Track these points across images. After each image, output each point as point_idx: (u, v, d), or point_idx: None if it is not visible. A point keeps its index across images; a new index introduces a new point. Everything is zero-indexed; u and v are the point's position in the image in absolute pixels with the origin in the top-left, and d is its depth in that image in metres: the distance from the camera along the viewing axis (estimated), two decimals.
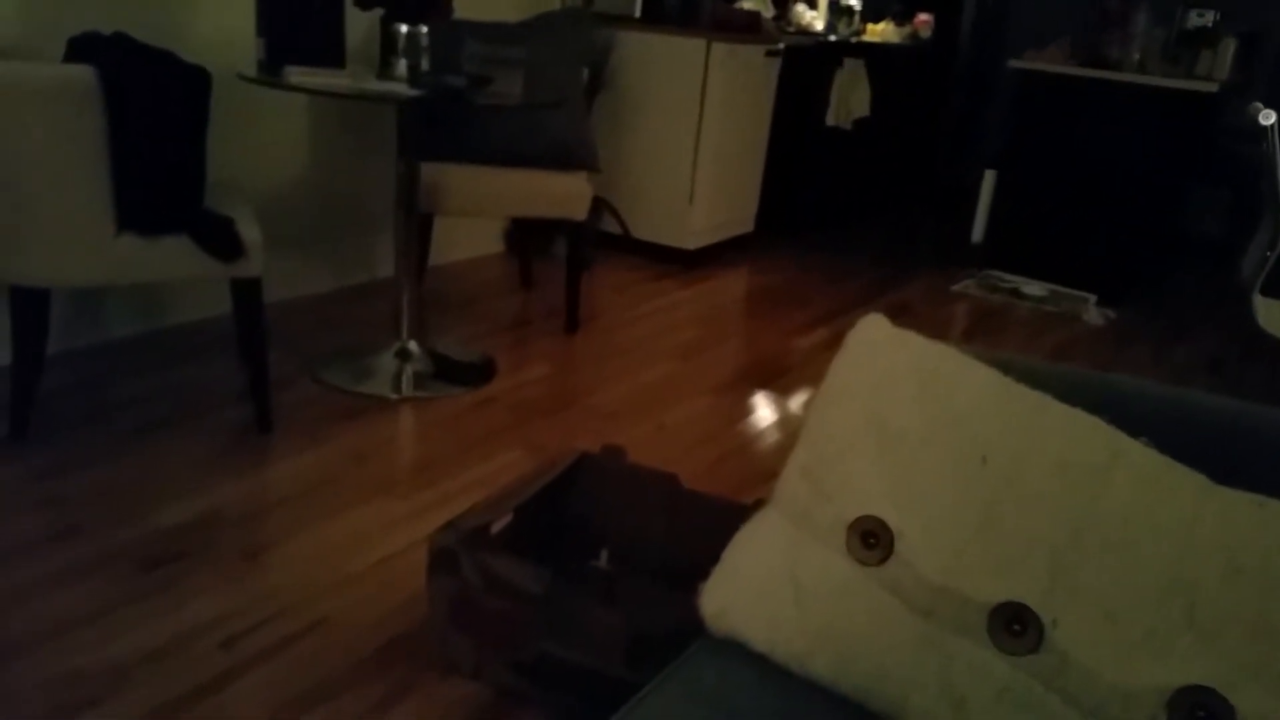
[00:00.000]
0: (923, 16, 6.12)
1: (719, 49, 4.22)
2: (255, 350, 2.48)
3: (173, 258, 2.30)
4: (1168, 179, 4.75)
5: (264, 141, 3.30)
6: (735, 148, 4.58)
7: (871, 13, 5.90)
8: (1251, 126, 3.31)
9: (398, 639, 1.82)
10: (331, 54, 2.67)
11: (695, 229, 4.46)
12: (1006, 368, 1.12)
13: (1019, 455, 1.02)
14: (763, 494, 1.80)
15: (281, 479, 2.33)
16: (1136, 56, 4.63)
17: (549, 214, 3.36)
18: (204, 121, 2.27)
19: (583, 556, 1.98)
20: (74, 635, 1.73)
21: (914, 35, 6.06)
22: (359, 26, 3.33)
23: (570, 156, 3.46)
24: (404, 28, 2.69)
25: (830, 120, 5.16)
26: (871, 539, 1.06)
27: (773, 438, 2.84)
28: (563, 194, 3.32)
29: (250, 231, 2.37)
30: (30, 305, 2.26)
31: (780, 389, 3.22)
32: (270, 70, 2.59)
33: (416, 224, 2.93)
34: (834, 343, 2.94)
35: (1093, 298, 4.66)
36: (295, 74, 2.53)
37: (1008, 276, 4.89)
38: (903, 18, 6.04)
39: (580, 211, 3.35)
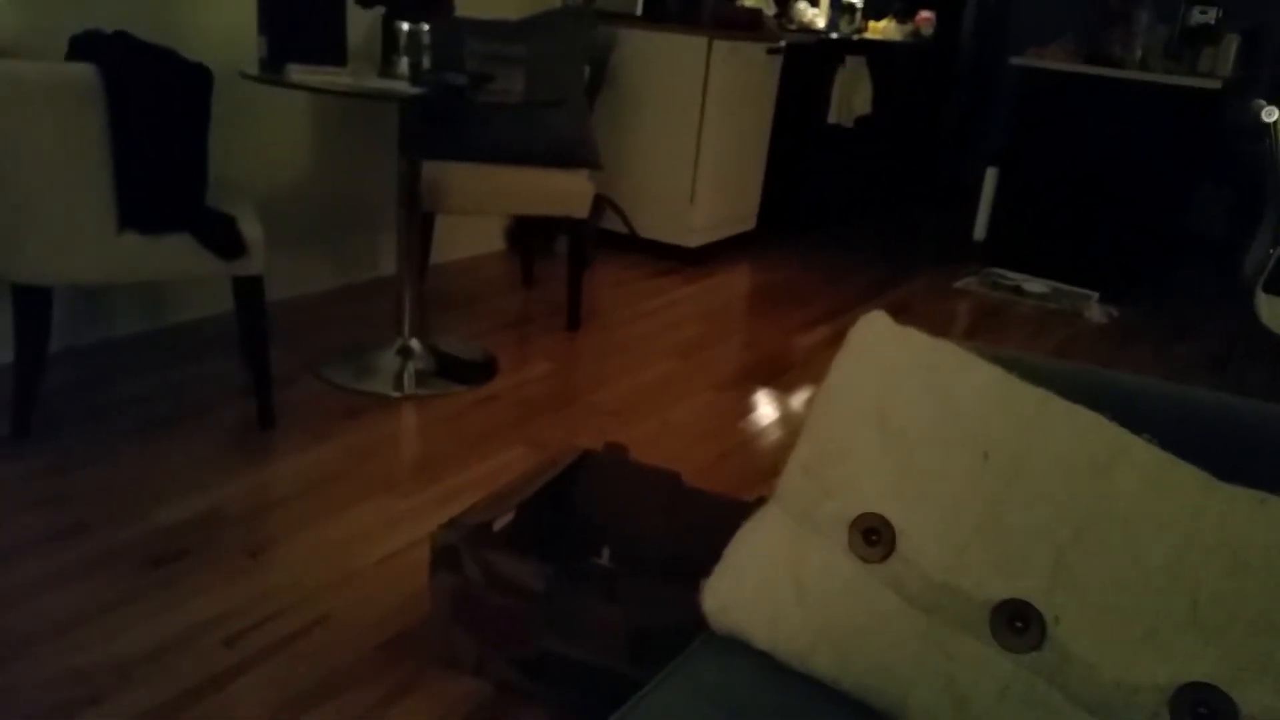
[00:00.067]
0: (925, 14, 6.11)
1: (720, 47, 4.21)
2: (257, 348, 2.49)
3: (174, 256, 2.31)
4: (1170, 176, 4.75)
5: (265, 140, 3.30)
6: (737, 145, 4.58)
7: (873, 10, 5.90)
8: (1254, 124, 3.31)
9: (400, 636, 1.82)
10: (333, 52, 2.67)
11: (697, 227, 4.46)
12: (1009, 365, 1.11)
13: (1021, 452, 1.02)
14: (764, 491, 1.80)
15: (283, 477, 2.33)
16: (1139, 54, 4.63)
17: (550, 212, 3.36)
18: (206, 120, 2.27)
19: (585, 553, 1.98)
20: (76, 633, 1.73)
21: (916, 33, 6.06)
22: (360, 25, 3.33)
23: (572, 154, 3.46)
24: (405, 26, 2.69)
25: (832, 118, 5.15)
26: (873, 536, 1.06)
27: (774, 435, 2.84)
28: (564, 192, 3.32)
29: (252, 229, 2.37)
30: (32, 303, 2.27)
31: (782, 386, 3.22)
32: (272, 68, 2.59)
33: (418, 222, 2.93)
34: (836, 340, 2.94)
35: (1095, 295, 4.65)
36: (297, 72, 2.53)
37: (1010, 274, 4.88)
38: (905, 15, 6.03)
39: (582, 209, 3.35)
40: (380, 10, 2.74)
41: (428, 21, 2.71)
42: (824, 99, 5.08)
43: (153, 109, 2.18)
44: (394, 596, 1.93)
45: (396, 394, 2.83)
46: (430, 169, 3.13)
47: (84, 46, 2.32)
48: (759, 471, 2.61)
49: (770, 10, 4.91)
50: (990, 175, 5.18)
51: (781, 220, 5.14)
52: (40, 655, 1.67)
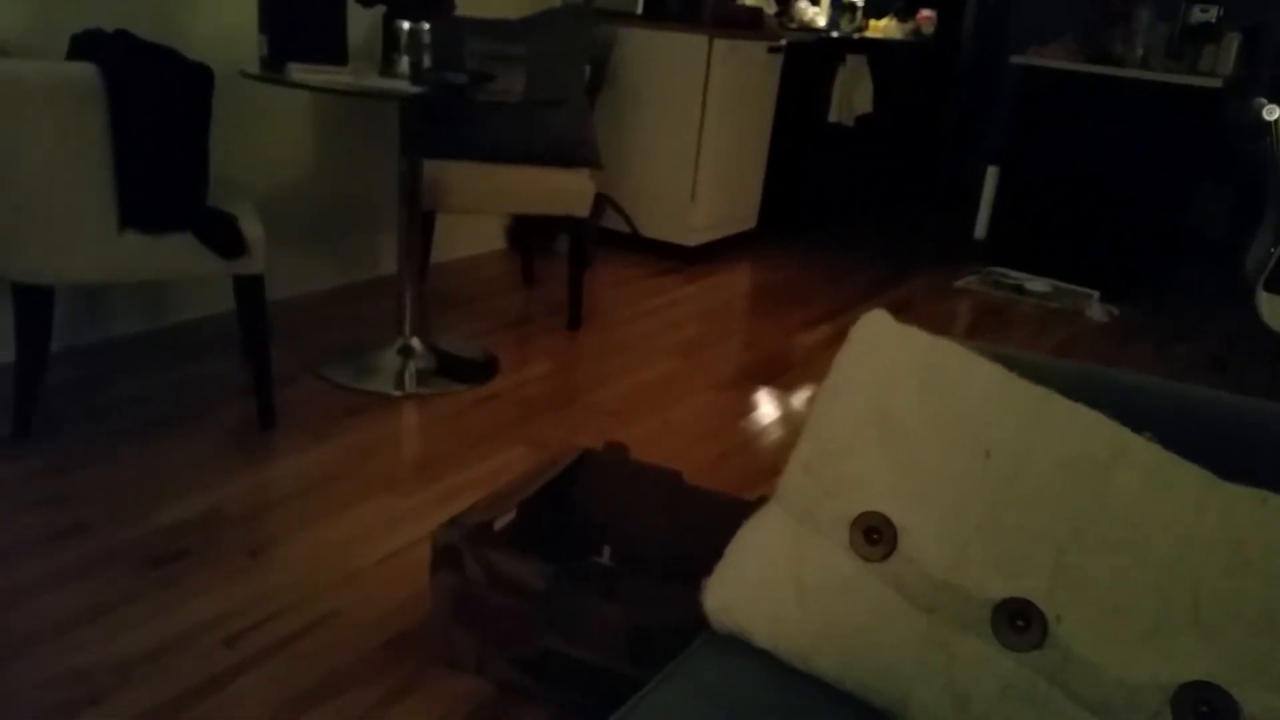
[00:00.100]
0: (925, 12, 6.11)
1: (721, 45, 4.21)
2: (258, 347, 2.49)
3: (176, 255, 2.31)
4: (1171, 175, 4.74)
5: (266, 139, 3.30)
6: (737, 144, 4.58)
7: (874, 9, 5.89)
8: (1255, 122, 3.30)
9: (401, 635, 1.82)
10: (334, 51, 2.67)
11: (697, 226, 4.46)
12: (1010, 363, 1.11)
13: (1022, 451, 1.02)
14: (765, 490, 1.80)
15: (284, 476, 2.33)
16: (1140, 52, 4.62)
17: (551, 211, 3.36)
18: (206, 119, 2.27)
19: (586, 553, 1.98)
20: (76, 633, 1.73)
21: (917, 31, 6.05)
22: (361, 24, 3.33)
23: (572, 153, 3.46)
24: (406, 25, 2.69)
25: (833, 117, 5.15)
26: (875, 535, 1.05)
27: (775, 434, 2.84)
28: (565, 191, 3.32)
29: (253, 229, 2.37)
30: (33, 303, 2.27)
31: (783, 385, 3.22)
32: (273, 67, 2.59)
33: (419, 221, 2.93)
34: (836, 339, 2.94)
35: (1096, 294, 4.65)
36: (298, 71, 2.53)
37: (1011, 273, 4.88)
38: (905, 14, 6.03)
39: (582, 208, 3.35)
40: (381, 9, 2.74)
41: (428, 20, 2.71)
42: (825, 98, 5.08)
43: (154, 108, 2.18)
44: (394, 596, 1.93)
45: (397, 393, 2.83)
46: (431, 168, 3.13)
47: (85, 46, 2.32)
48: (760, 471, 2.60)
49: (771, 9, 4.90)
50: (991, 174, 5.17)
51: (782, 219, 5.13)
52: (40, 655, 1.67)
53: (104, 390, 2.65)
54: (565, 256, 3.74)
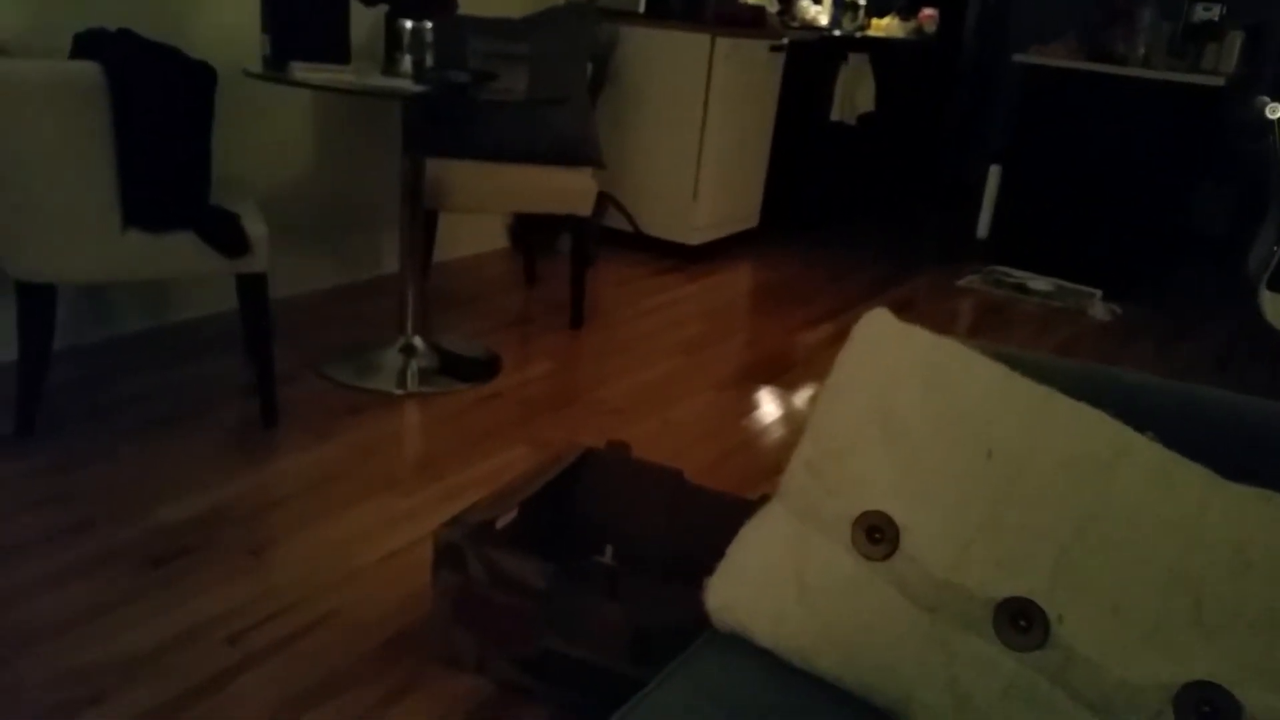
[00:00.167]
0: (927, 11, 6.10)
1: (723, 44, 4.21)
2: (260, 346, 2.49)
3: (178, 254, 2.31)
4: (1173, 174, 4.74)
5: (269, 138, 3.30)
6: (739, 143, 4.58)
7: (876, 7, 5.89)
8: (1258, 120, 3.30)
9: (402, 634, 1.82)
10: (336, 50, 2.67)
11: (699, 224, 4.45)
12: (1012, 362, 1.11)
13: (1024, 450, 1.02)
14: (768, 489, 1.80)
15: (286, 475, 2.33)
16: (1142, 51, 4.62)
17: (553, 210, 3.36)
18: (209, 118, 2.27)
19: (587, 552, 1.98)
20: (78, 631, 1.73)
21: (919, 30, 6.05)
22: (364, 23, 3.33)
23: (574, 152, 3.46)
24: (408, 24, 2.69)
25: (835, 115, 5.15)
26: (877, 534, 1.05)
27: (777, 433, 2.84)
28: (567, 190, 3.32)
29: (255, 227, 2.37)
30: (36, 301, 2.27)
31: (785, 384, 3.22)
32: (275, 66, 2.59)
33: (421, 220, 2.93)
34: (839, 338, 2.94)
35: (1098, 293, 4.65)
36: (300, 70, 2.53)
37: (1013, 272, 4.88)
38: (907, 12, 6.02)
39: (585, 207, 3.35)
40: (383, 8, 2.74)
41: (431, 19, 2.71)
42: (827, 96, 5.08)
43: (156, 107, 2.18)
44: (395, 595, 1.93)
45: (399, 392, 2.83)
46: (433, 167, 3.13)
47: (88, 45, 2.32)
48: (762, 469, 2.60)
49: (773, 7, 4.90)
50: (993, 173, 5.17)
51: (784, 218, 5.13)
52: (42, 654, 1.67)
53: (106, 389, 2.65)
54: (567, 255, 3.74)
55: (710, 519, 1.86)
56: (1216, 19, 4.73)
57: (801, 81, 4.86)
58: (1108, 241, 4.70)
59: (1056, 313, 4.36)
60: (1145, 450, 0.99)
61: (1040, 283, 4.73)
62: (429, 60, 2.72)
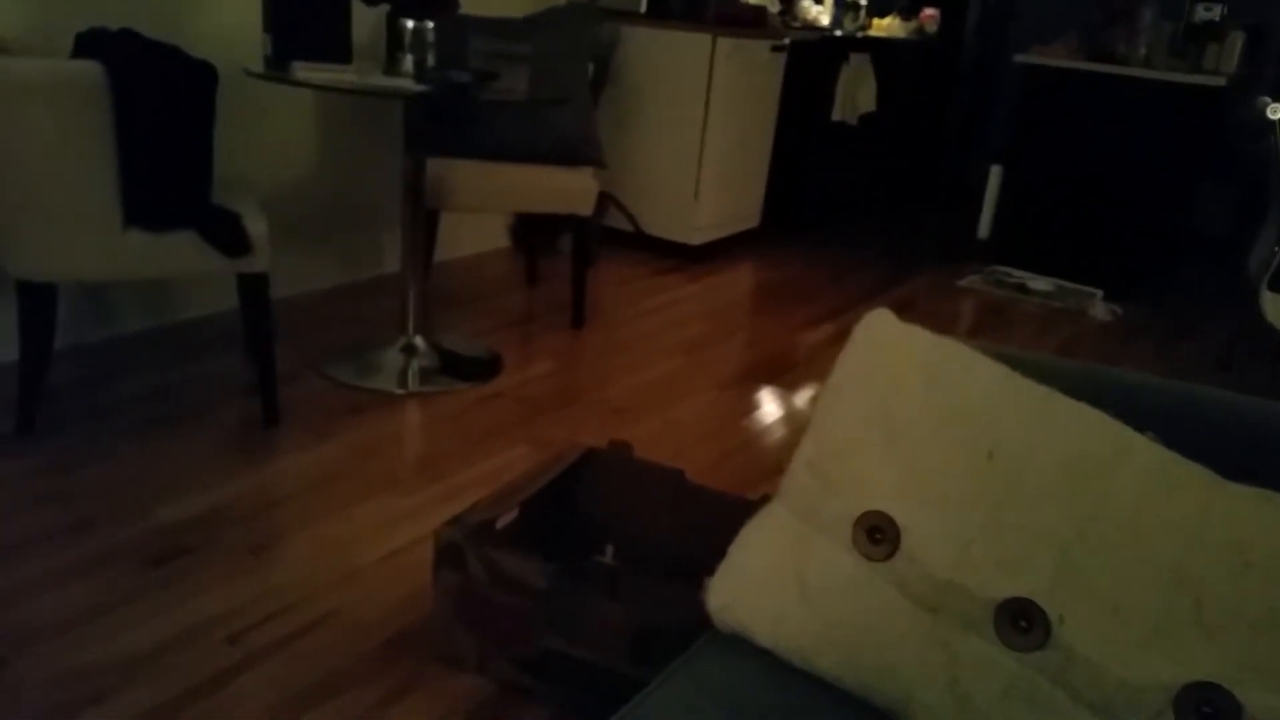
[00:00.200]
0: (929, 11, 6.10)
1: (724, 44, 4.21)
2: (262, 345, 2.49)
3: (179, 253, 2.31)
4: (1174, 174, 4.74)
5: (270, 137, 3.31)
6: (741, 143, 4.58)
7: (877, 7, 5.89)
8: (1259, 121, 3.30)
9: (402, 634, 1.82)
10: (338, 50, 2.67)
11: (700, 224, 4.45)
12: (1013, 363, 1.11)
13: (1025, 450, 1.02)
14: (769, 489, 1.80)
15: (287, 474, 2.33)
16: (1143, 51, 4.62)
17: (555, 210, 3.36)
18: (210, 117, 2.27)
19: (588, 552, 1.98)
20: (79, 631, 1.73)
21: (920, 30, 6.05)
22: (365, 22, 3.33)
23: (576, 152, 3.46)
24: (410, 23, 2.69)
25: (836, 115, 5.15)
26: (878, 534, 1.05)
27: (779, 433, 2.84)
28: (568, 190, 3.32)
29: (257, 227, 2.37)
30: (37, 300, 2.27)
31: (786, 384, 3.22)
32: (277, 66, 2.59)
33: (422, 219, 2.93)
34: (840, 338, 2.94)
35: (1099, 293, 4.65)
36: (302, 69, 2.53)
37: (1014, 272, 4.88)
38: (909, 12, 6.02)
39: (586, 207, 3.35)
40: (385, 8, 2.74)
41: (432, 19, 2.71)
42: (828, 96, 5.08)
43: (158, 106, 2.18)
44: (396, 595, 1.93)
45: (400, 391, 2.83)
46: (435, 166, 3.13)
47: (89, 44, 2.32)
48: (763, 469, 2.60)
49: (774, 7, 4.90)
50: (994, 173, 5.17)
51: (785, 218, 5.13)
52: (42, 654, 1.67)
53: (107, 388, 2.65)
54: (568, 255, 3.74)
55: (711, 519, 1.86)
56: (1217, 19, 4.73)
57: (803, 81, 4.86)
58: (1108, 242, 4.70)
59: (1057, 313, 4.36)
60: (1145, 450, 0.99)
61: (1041, 283, 4.72)
62: (430, 60, 2.72)
